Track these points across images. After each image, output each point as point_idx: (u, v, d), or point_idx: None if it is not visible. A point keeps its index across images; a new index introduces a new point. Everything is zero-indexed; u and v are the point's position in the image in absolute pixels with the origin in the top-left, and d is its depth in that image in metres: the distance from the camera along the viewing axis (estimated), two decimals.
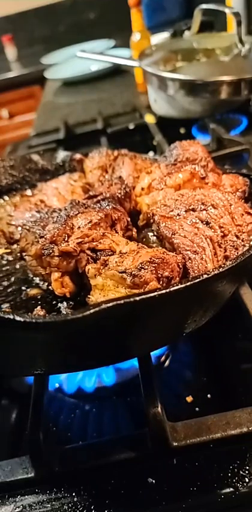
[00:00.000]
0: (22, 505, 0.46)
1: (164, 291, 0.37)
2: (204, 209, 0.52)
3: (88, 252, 0.49)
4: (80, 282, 0.50)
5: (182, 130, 1.21)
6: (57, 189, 0.72)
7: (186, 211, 0.53)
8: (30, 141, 1.35)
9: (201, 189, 0.57)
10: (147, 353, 0.50)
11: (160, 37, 1.79)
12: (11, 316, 0.34)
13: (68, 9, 3.08)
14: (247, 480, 0.43)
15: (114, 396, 0.58)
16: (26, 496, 0.47)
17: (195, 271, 0.46)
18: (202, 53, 1.25)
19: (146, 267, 0.42)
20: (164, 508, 0.43)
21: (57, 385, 0.60)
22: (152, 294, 0.36)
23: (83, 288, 0.50)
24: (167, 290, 0.37)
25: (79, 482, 0.47)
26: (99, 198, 0.58)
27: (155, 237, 0.56)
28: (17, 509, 0.46)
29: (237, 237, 0.50)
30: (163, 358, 0.61)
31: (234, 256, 0.48)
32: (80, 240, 0.48)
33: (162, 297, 0.37)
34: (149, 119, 1.28)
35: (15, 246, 0.63)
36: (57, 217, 0.53)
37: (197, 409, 0.53)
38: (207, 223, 0.51)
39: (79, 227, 0.50)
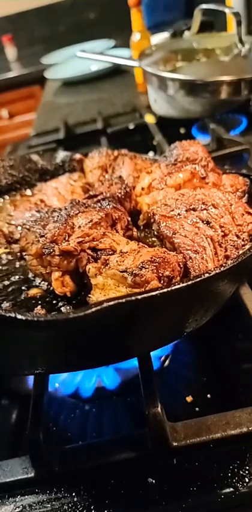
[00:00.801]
0: (22, 505, 0.46)
1: (165, 290, 0.37)
2: (205, 209, 0.52)
3: (89, 251, 0.49)
4: (80, 282, 0.50)
5: (182, 130, 1.21)
6: (57, 189, 0.72)
7: (186, 210, 0.53)
8: (30, 141, 1.35)
9: (201, 188, 0.57)
10: (148, 352, 0.50)
11: (160, 37, 1.79)
12: (13, 315, 0.34)
13: (68, 9, 3.08)
14: (247, 480, 0.43)
15: (114, 396, 0.58)
16: (26, 496, 0.47)
17: (196, 271, 0.46)
18: (202, 53, 1.25)
19: (147, 266, 0.42)
20: (164, 508, 0.43)
21: (57, 385, 0.60)
22: (153, 293, 0.36)
23: (84, 287, 0.50)
24: (169, 289, 0.37)
25: (79, 482, 0.47)
26: (99, 197, 0.58)
27: (155, 237, 0.56)
28: (17, 509, 0.46)
29: (237, 236, 0.50)
30: (163, 358, 0.61)
31: (235, 255, 0.48)
32: (80, 239, 0.48)
33: (163, 295, 0.37)
34: (149, 119, 1.28)
35: (15, 245, 0.63)
36: (58, 216, 0.53)
37: (197, 409, 0.53)
38: (208, 222, 0.51)
39: (80, 226, 0.50)
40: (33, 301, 0.51)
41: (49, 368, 0.46)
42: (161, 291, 0.37)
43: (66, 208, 0.55)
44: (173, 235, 0.50)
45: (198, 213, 0.52)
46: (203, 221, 0.51)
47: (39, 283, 0.53)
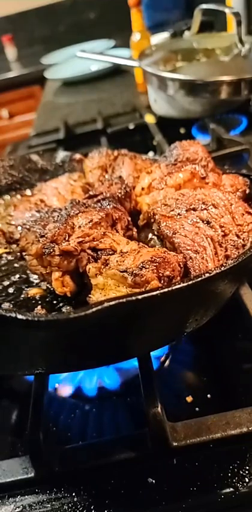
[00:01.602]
0: (22, 505, 0.46)
1: (166, 290, 0.37)
2: (205, 208, 0.52)
3: (89, 251, 0.49)
4: (80, 282, 0.50)
5: (182, 131, 1.21)
6: (57, 189, 0.72)
7: (187, 210, 0.53)
8: (30, 141, 1.35)
9: (201, 188, 0.57)
10: (148, 352, 0.50)
11: (160, 37, 1.79)
12: (13, 315, 0.34)
13: (68, 9, 3.08)
14: (247, 480, 0.43)
15: (114, 396, 0.58)
16: (26, 496, 0.47)
17: (196, 271, 0.46)
18: (202, 53, 1.25)
19: (147, 266, 0.42)
20: (164, 508, 0.43)
21: (57, 385, 0.60)
22: (154, 293, 0.36)
23: (84, 287, 0.50)
24: (169, 289, 0.37)
25: (79, 482, 0.47)
26: (99, 197, 0.58)
27: (155, 237, 0.56)
28: (17, 509, 0.46)
29: (237, 236, 0.50)
30: (163, 358, 0.61)
31: (235, 255, 0.48)
32: (80, 239, 0.48)
33: (164, 295, 0.37)
34: (149, 119, 1.28)
35: (14, 245, 0.63)
36: (58, 216, 0.53)
37: (197, 409, 0.53)
38: (208, 222, 0.51)
39: (80, 226, 0.50)
40: (33, 301, 0.51)
41: (49, 368, 0.46)
42: (161, 291, 0.37)
43: (66, 208, 0.55)
44: (173, 235, 0.49)
45: (198, 213, 0.52)
46: (203, 221, 0.51)
47: (39, 283, 0.53)
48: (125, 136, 1.26)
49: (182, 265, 0.46)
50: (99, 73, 1.92)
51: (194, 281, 0.38)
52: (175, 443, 0.46)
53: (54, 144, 1.25)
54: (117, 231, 0.53)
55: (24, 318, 0.34)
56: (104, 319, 0.35)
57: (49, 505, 0.45)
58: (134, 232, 0.57)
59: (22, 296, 0.52)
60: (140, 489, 0.45)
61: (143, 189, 0.63)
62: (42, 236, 0.50)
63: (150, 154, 1.08)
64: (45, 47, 2.79)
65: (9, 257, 0.60)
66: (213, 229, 0.50)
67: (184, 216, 0.52)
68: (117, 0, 2.57)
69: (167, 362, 0.61)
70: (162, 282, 0.43)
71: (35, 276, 0.54)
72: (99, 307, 0.34)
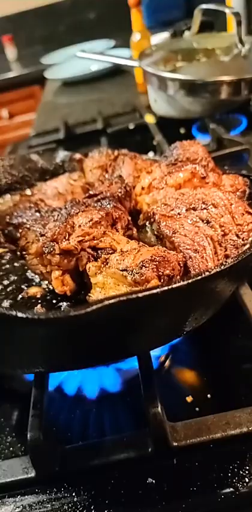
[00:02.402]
0: (22, 505, 0.46)
1: (166, 288, 0.37)
2: (205, 208, 0.52)
3: (89, 250, 0.49)
4: (80, 281, 0.50)
5: (182, 131, 1.21)
6: (56, 189, 0.72)
7: (186, 210, 0.53)
8: (30, 141, 1.35)
9: (201, 188, 0.57)
10: (148, 351, 0.50)
11: (160, 37, 1.79)
12: (13, 312, 0.34)
13: (68, 9, 3.08)
14: (247, 480, 0.43)
15: (114, 396, 0.58)
16: (26, 496, 0.47)
17: (196, 270, 0.46)
18: (202, 53, 1.25)
19: (147, 265, 0.42)
20: (164, 508, 0.43)
21: (57, 385, 0.60)
22: (154, 291, 0.36)
23: (84, 287, 0.50)
24: (170, 287, 0.37)
25: (79, 482, 0.47)
26: (99, 197, 0.58)
27: (155, 237, 0.56)
28: (17, 509, 0.46)
29: (237, 236, 0.50)
30: (163, 358, 0.61)
31: (235, 255, 0.48)
32: (81, 238, 0.48)
33: (164, 293, 0.36)
34: (149, 119, 1.28)
35: (13, 246, 0.62)
36: (58, 215, 0.53)
37: (197, 409, 0.53)
38: (208, 222, 0.51)
39: (80, 225, 0.50)
40: (33, 300, 0.51)
41: (48, 366, 0.46)
42: (162, 289, 0.36)
43: (66, 208, 0.55)
44: (173, 235, 0.50)
45: (198, 213, 0.52)
46: (203, 220, 0.51)
47: (39, 282, 0.53)
48: (125, 137, 1.26)
49: (181, 264, 0.46)
50: (99, 73, 1.92)
51: (194, 279, 0.38)
52: (175, 443, 0.46)
53: (54, 144, 1.25)
54: (117, 230, 0.53)
55: (24, 316, 0.34)
56: (104, 317, 0.35)
57: (49, 505, 0.45)
58: (134, 232, 0.57)
59: (22, 295, 0.52)
60: (140, 489, 0.45)
61: (143, 188, 0.63)
62: (42, 235, 0.50)
63: (150, 154, 1.08)
64: (45, 47, 2.79)
65: (9, 256, 0.60)
66: (213, 229, 0.50)
67: (184, 215, 0.52)
68: (117, 0, 2.57)
69: (167, 362, 0.61)
70: (162, 280, 0.43)
71: (35, 276, 0.54)
72: (100, 305, 0.34)
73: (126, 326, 0.40)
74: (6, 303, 0.50)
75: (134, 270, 0.42)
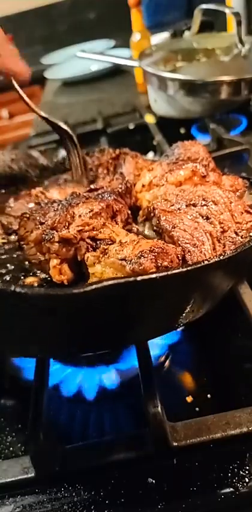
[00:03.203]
0: (22, 505, 0.46)
1: (164, 274, 0.37)
2: (205, 205, 0.53)
3: (88, 240, 0.49)
4: (78, 271, 0.50)
5: (182, 131, 1.21)
6: (57, 182, 0.72)
7: (186, 206, 0.53)
8: (30, 141, 1.35)
9: (202, 185, 0.57)
10: (144, 340, 0.50)
11: (160, 37, 1.79)
12: (12, 288, 0.33)
13: (68, 9, 3.08)
14: (247, 480, 0.43)
15: (114, 396, 0.58)
16: (26, 496, 0.47)
17: (194, 263, 0.46)
18: (202, 53, 1.25)
19: (146, 256, 0.42)
20: (164, 508, 0.43)
21: (57, 385, 0.60)
22: (152, 276, 0.36)
23: (81, 277, 0.50)
24: (168, 272, 0.37)
25: (79, 482, 0.47)
26: (99, 191, 0.58)
27: (154, 233, 0.56)
28: (17, 509, 0.46)
29: (236, 233, 0.51)
30: (163, 358, 0.61)
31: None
32: (80, 227, 0.49)
33: (163, 279, 0.37)
34: (149, 119, 1.28)
35: (13, 236, 0.62)
36: (58, 205, 0.53)
37: (197, 409, 0.53)
38: (207, 218, 0.51)
39: (80, 216, 0.50)
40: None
41: (43, 351, 0.46)
42: (160, 274, 0.37)
43: (66, 199, 0.55)
44: (173, 229, 0.50)
45: (198, 209, 0.52)
46: (202, 217, 0.51)
47: (37, 272, 0.53)
48: (125, 136, 1.26)
49: (180, 258, 0.46)
50: (99, 73, 1.92)
51: (193, 267, 0.39)
52: (175, 443, 0.46)
53: (54, 144, 1.25)
54: (117, 223, 0.53)
55: (22, 291, 0.34)
56: (102, 299, 0.35)
57: (49, 505, 0.45)
58: (133, 227, 0.57)
59: (19, 283, 0.51)
60: (140, 489, 0.45)
61: (143, 186, 0.63)
62: (42, 223, 0.50)
63: (150, 154, 1.08)
64: (45, 47, 2.79)
65: (7, 247, 0.60)
66: (213, 225, 0.51)
67: (184, 211, 0.52)
68: (117, 0, 2.57)
69: (167, 362, 0.61)
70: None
71: (33, 266, 0.54)
72: (99, 285, 0.34)
73: (123, 311, 0.40)
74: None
75: (133, 260, 0.42)
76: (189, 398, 0.54)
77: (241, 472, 0.44)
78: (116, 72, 1.91)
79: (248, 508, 0.44)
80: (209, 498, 0.43)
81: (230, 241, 0.49)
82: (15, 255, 0.57)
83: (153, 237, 0.55)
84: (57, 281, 0.48)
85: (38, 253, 0.51)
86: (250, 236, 0.50)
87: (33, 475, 0.47)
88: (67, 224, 0.49)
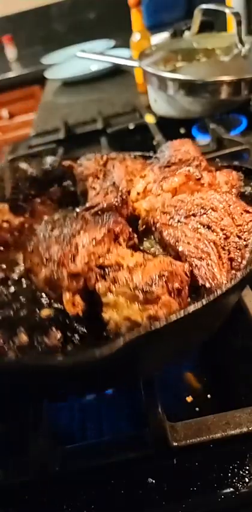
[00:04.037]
0: (21, 506, 0.46)
1: (183, 315, 0.38)
2: (204, 213, 0.53)
3: (96, 269, 0.49)
4: (90, 299, 0.50)
5: (182, 131, 1.21)
6: None
7: (186, 217, 0.53)
8: (30, 141, 1.35)
9: (198, 192, 0.57)
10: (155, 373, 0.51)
11: (160, 37, 1.79)
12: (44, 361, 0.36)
13: (68, 9, 3.08)
14: (247, 480, 0.43)
15: (114, 396, 0.58)
16: (26, 496, 0.47)
17: (204, 279, 0.47)
18: (202, 53, 1.25)
19: (157, 282, 0.43)
20: (164, 508, 0.43)
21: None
22: (173, 318, 0.38)
23: (94, 302, 0.50)
24: (186, 312, 0.38)
25: (79, 482, 0.47)
26: (96, 209, 0.58)
27: (157, 244, 0.57)
28: (17, 510, 0.46)
29: (239, 237, 0.51)
30: None
31: (238, 257, 0.49)
32: (87, 259, 0.49)
33: (182, 319, 0.38)
34: (149, 119, 1.28)
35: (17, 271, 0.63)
36: (60, 237, 0.53)
37: (197, 409, 0.53)
38: (209, 227, 0.51)
39: (84, 246, 0.50)
40: (48, 323, 0.51)
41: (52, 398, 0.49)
42: (180, 316, 0.38)
43: (66, 222, 0.54)
44: (177, 243, 0.50)
45: (198, 218, 0.52)
46: (204, 226, 0.52)
47: (49, 302, 0.53)
48: (125, 137, 1.26)
49: (189, 274, 0.46)
50: (99, 73, 1.92)
51: (209, 301, 0.39)
52: (175, 443, 0.46)
53: (54, 144, 1.25)
54: (120, 244, 0.53)
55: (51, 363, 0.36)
56: (123, 353, 0.36)
57: (49, 505, 0.45)
58: (135, 240, 0.58)
59: (36, 318, 0.52)
60: (140, 489, 0.45)
61: (138, 193, 0.63)
62: (48, 260, 0.50)
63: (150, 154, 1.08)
64: (45, 47, 2.79)
65: (13, 278, 0.60)
66: (215, 233, 0.51)
67: (184, 222, 0.53)
68: (117, 0, 2.57)
69: None
70: (172, 295, 0.44)
71: (44, 296, 0.54)
72: (121, 344, 0.35)
73: (139, 356, 0.41)
74: (22, 328, 0.50)
75: (145, 289, 0.43)
76: (189, 398, 0.54)
77: (241, 472, 0.44)
78: (116, 72, 1.91)
79: (248, 508, 0.44)
80: (209, 498, 0.43)
81: (234, 247, 0.50)
82: (24, 285, 0.58)
83: (157, 250, 0.56)
84: (72, 314, 0.49)
85: (48, 289, 0.52)
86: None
87: (32, 475, 0.47)
88: (73, 257, 0.50)
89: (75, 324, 0.49)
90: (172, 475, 0.45)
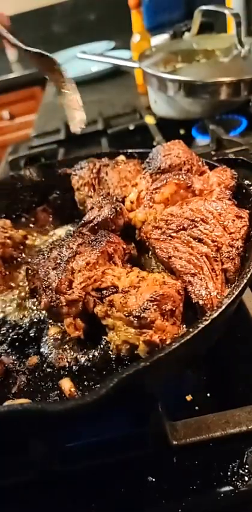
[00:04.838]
0: (22, 504, 0.46)
1: (178, 344, 0.39)
2: (195, 226, 0.53)
3: (93, 293, 0.50)
4: (90, 320, 0.51)
5: (182, 131, 1.22)
6: None
7: (177, 231, 0.53)
8: (31, 142, 1.35)
9: (188, 204, 0.56)
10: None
11: (160, 38, 1.79)
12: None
13: (69, 10, 3.08)
14: (246, 479, 0.44)
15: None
16: (26, 496, 0.47)
17: (197, 296, 0.47)
18: (202, 54, 1.25)
19: (149, 307, 0.44)
20: (164, 506, 0.43)
21: None
22: (169, 349, 0.39)
23: (94, 322, 0.51)
24: (182, 341, 0.39)
25: (79, 482, 0.47)
26: (92, 224, 0.59)
27: (153, 256, 0.57)
28: (19, 509, 0.46)
29: (231, 246, 0.51)
30: None
31: (232, 267, 0.49)
32: (83, 284, 0.50)
33: (177, 349, 0.39)
34: (149, 120, 1.28)
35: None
36: (56, 262, 0.53)
37: (196, 408, 0.53)
38: (200, 239, 0.51)
39: (80, 270, 0.51)
40: (55, 342, 0.54)
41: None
42: (175, 346, 0.39)
43: (61, 244, 0.56)
44: (169, 259, 0.51)
45: (189, 232, 0.53)
46: (194, 239, 0.52)
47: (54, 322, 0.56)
48: (125, 137, 1.26)
49: (182, 292, 0.47)
50: (100, 74, 1.93)
51: (204, 325, 0.40)
52: (175, 442, 0.46)
53: (55, 145, 1.26)
54: (115, 264, 0.54)
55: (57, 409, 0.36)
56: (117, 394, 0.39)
57: (49, 505, 0.46)
58: (132, 250, 0.58)
59: (44, 338, 0.55)
60: (140, 488, 0.45)
61: (132, 202, 0.64)
62: (47, 287, 0.51)
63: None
64: (46, 48, 2.77)
65: (22, 294, 0.62)
66: (206, 246, 0.51)
67: (176, 237, 0.53)
68: (117, 1, 2.57)
69: None
70: (165, 317, 0.45)
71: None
72: (114, 384, 0.38)
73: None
74: (22, 378, 0.51)
75: (138, 315, 0.44)
76: (189, 397, 0.54)
77: (240, 471, 0.44)
78: (116, 73, 1.92)
79: (248, 507, 0.44)
80: (208, 496, 0.43)
81: (226, 257, 0.50)
82: (29, 305, 0.60)
83: (156, 263, 0.57)
84: (74, 337, 0.50)
85: (50, 315, 0.53)
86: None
87: (32, 475, 0.47)
88: (69, 283, 0.51)
89: (82, 358, 0.51)
90: (172, 473, 0.45)
